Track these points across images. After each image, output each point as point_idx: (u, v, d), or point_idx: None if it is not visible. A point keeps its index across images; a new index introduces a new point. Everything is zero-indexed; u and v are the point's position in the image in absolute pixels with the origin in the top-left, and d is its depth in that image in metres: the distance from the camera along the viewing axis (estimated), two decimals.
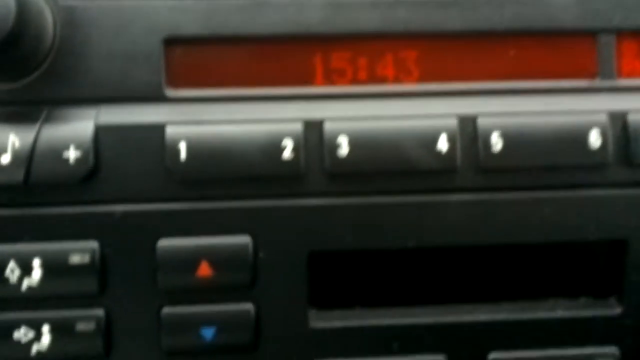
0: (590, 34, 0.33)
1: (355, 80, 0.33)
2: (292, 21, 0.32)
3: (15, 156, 0.29)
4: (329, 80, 0.33)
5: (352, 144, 0.31)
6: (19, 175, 0.29)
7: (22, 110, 0.30)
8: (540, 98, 0.33)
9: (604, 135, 0.32)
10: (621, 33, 0.33)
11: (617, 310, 0.34)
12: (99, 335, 0.31)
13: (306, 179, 0.31)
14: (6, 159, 0.29)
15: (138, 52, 0.31)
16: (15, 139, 0.29)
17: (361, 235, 0.32)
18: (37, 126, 0.30)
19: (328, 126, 0.31)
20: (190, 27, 0.31)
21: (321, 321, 0.33)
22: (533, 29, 0.33)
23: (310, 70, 0.32)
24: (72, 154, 0.30)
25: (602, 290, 0.34)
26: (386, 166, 0.31)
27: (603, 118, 0.32)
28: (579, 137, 0.32)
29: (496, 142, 0.32)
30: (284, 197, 0.31)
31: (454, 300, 0.34)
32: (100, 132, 0.31)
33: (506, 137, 0.32)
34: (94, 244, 0.31)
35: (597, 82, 0.33)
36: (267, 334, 0.32)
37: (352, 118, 0.32)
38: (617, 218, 0.33)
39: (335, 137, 0.31)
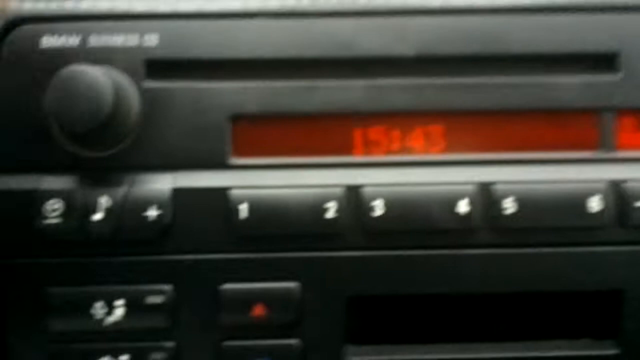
0: (592, 112, 0.35)
1: (389, 151, 0.34)
2: (337, 101, 0.34)
3: (107, 214, 0.32)
4: (367, 150, 0.34)
5: (386, 206, 0.33)
6: (109, 230, 0.32)
7: (112, 175, 0.33)
8: (548, 167, 0.35)
9: (603, 200, 0.34)
10: (620, 111, 0.35)
11: (614, 351, 0.35)
12: None
13: (346, 235, 0.33)
14: (99, 216, 0.32)
15: (208, 127, 0.33)
16: (106, 199, 0.32)
17: (392, 283, 0.34)
18: (124, 188, 0.32)
19: (366, 191, 0.33)
20: (252, 106, 0.34)
21: (357, 355, 0.35)
22: (542, 107, 0.35)
23: (351, 142, 0.34)
24: (153, 213, 0.32)
25: (602, 333, 0.36)
26: (415, 225, 0.33)
27: (603, 186, 0.34)
28: (582, 202, 0.34)
29: (509, 206, 0.34)
30: (327, 250, 0.33)
31: (472, 339, 0.36)
32: (176, 194, 0.33)
33: (518, 201, 0.34)
34: (168, 287, 0.33)
35: (598, 154, 0.35)
36: None
37: (387, 184, 0.33)
38: (615, 271, 0.35)
39: (372, 201, 0.33)
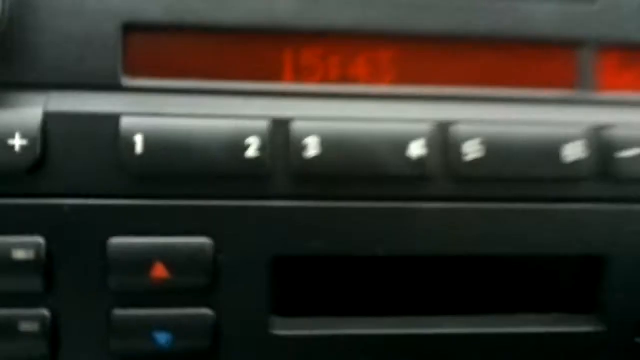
0: (571, 45, 0.29)
1: (325, 79, 0.28)
2: (263, 12, 0.27)
3: None
4: (298, 77, 0.28)
5: (322, 145, 0.27)
6: None
7: None
8: (517, 107, 0.29)
9: (580, 148, 0.28)
10: (603, 46, 0.29)
11: (590, 327, 0.29)
12: (44, 337, 0.26)
13: (271, 179, 0.27)
14: None
15: (94, 37, 0.26)
16: None
17: (328, 241, 0.28)
18: None
19: (296, 125, 0.27)
20: (152, 12, 0.27)
21: (284, 329, 0.28)
22: (512, 37, 0.29)
23: (278, 66, 0.28)
24: (17, 142, 0.25)
25: (577, 307, 0.30)
26: (356, 170, 0.27)
27: (579, 131, 0.28)
28: (555, 149, 0.28)
29: (471, 151, 0.28)
30: (247, 198, 0.27)
31: (424, 312, 0.30)
32: (50, 120, 0.26)
33: (482, 145, 0.28)
34: (39, 240, 0.26)
35: (576, 94, 0.29)
36: (227, 341, 0.28)
37: (322, 118, 0.27)
38: (595, 234, 0.29)
39: (303, 137, 0.27)
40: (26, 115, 0.26)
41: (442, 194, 0.28)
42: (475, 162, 0.27)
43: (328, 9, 0.28)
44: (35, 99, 0.26)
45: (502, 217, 0.28)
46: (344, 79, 0.28)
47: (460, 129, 0.28)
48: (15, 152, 0.25)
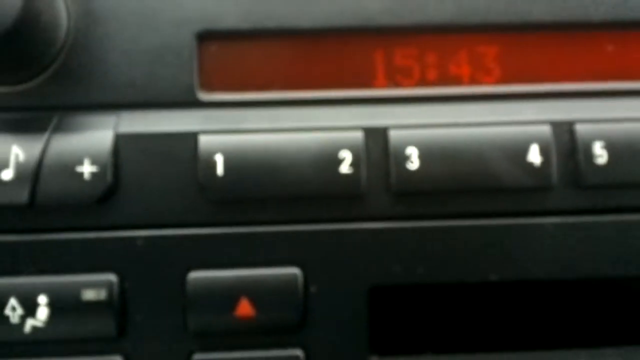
0: None
1: (423, 81, 0.25)
2: (349, 12, 0.24)
3: (19, 172, 0.22)
4: (392, 81, 0.25)
5: (423, 156, 0.24)
6: (23, 195, 0.22)
7: (28, 117, 0.23)
8: None
9: None
10: None
11: None
12: None
13: (368, 198, 0.24)
14: (8, 174, 0.22)
15: (166, 49, 0.24)
16: (19, 150, 0.22)
17: (433, 267, 0.24)
18: (45, 136, 0.23)
19: (394, 135, 0.24)
20: (229, 18, 0.24)
21: None
22: (637, 20, 0.25)
23: (370, 70, 0.25)
24: (86, 169, 0.23)
25: None
26: (465, 183, 0.24)
27: None
28: None
29: (600, 154, 0.23)
30: (340, 221, 0.24)
31: (547, 345, 0.25)
32: (121, 142, 0.24)
33: (611, 147, 0.24)
34: (111, 277, 0.24)
35: None
36: None
37: (422, 125, 0.24)
38: None
39: (403, 148, 0.24)
40: (95, 138, 0.23)
41: (568, 206, 0.24)
42: (606, 167, 0.23)
43: (422, 1, 0.24)
44: (104, 120, 0.24)
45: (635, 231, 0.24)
46: (444, 80, 0.25)
47: (585, 129, 0.24)
48: (84, 180, 0.23)
